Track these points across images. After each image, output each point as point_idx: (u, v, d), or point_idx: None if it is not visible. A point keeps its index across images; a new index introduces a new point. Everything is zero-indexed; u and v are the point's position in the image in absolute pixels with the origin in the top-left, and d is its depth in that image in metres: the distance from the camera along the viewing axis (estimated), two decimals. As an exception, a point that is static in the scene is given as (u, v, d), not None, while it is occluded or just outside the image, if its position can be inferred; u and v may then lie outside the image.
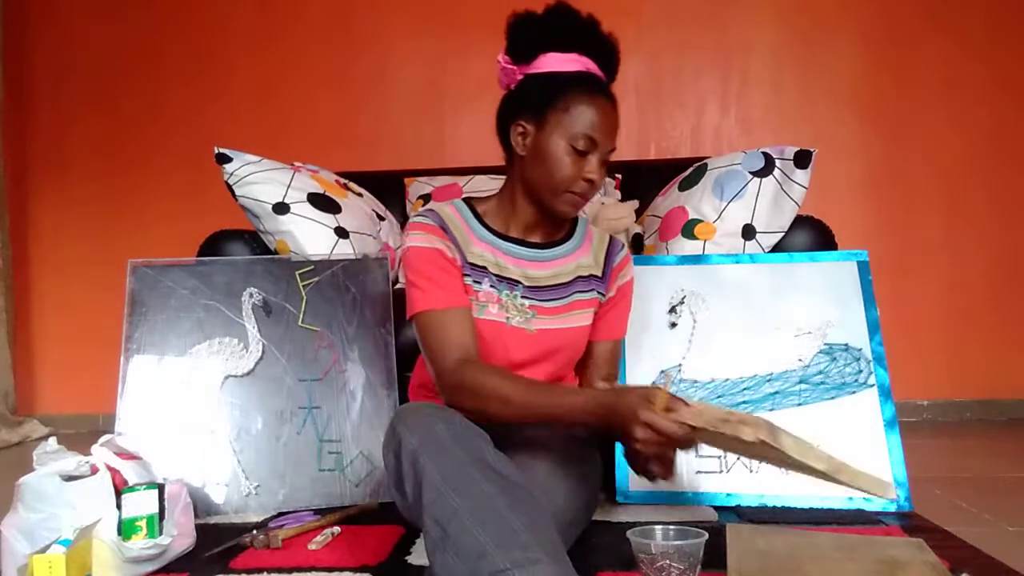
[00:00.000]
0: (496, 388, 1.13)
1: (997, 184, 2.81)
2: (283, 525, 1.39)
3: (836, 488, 1.47)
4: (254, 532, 1.30)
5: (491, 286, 1.29)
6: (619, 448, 1.55)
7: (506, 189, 1.35)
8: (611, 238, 1.45)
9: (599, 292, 1.39)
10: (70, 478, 1.18)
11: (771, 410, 1.57)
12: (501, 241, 1.33)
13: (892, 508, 1.45)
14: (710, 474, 1.53)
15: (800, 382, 1.58)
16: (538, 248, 1.35)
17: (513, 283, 1.31)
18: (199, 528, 1.34)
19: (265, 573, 1.16)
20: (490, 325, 1.27)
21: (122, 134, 3.07)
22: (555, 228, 1.37)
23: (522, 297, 1.31)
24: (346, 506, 1.51)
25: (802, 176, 1.76)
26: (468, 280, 1.28)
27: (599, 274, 1.40)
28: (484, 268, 1.30)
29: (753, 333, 1.63)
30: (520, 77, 1.28)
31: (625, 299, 1.44)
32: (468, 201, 1.37)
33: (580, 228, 1.43)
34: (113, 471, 1.23)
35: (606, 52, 1.28)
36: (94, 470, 1.21)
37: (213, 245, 1.82)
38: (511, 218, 1.34)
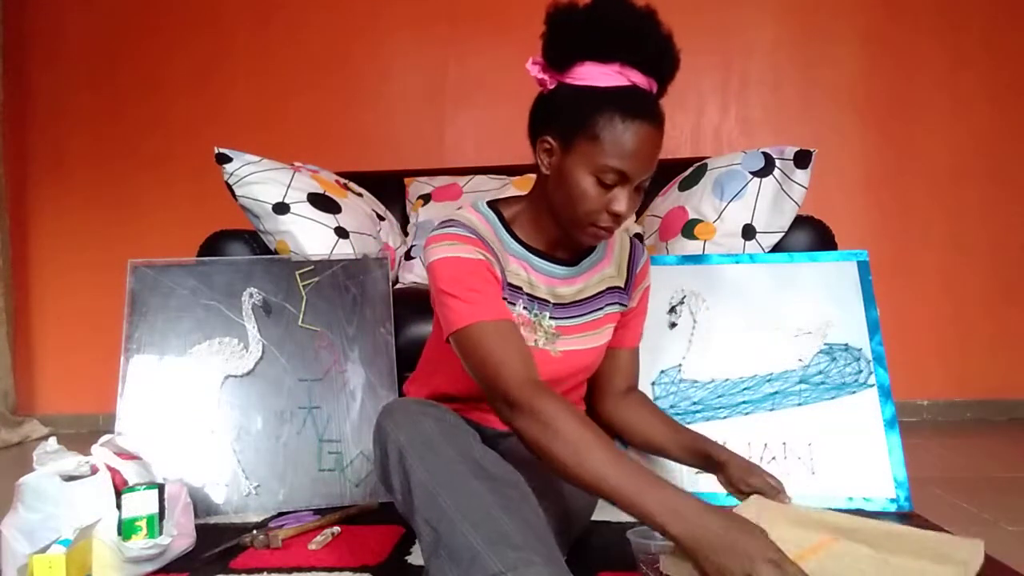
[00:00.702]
0: (574, 434, 0.92)
1: (996, 183, 2.81)
2: (283, 525, 1.39)
3: (837, 488, 1.48)
4: (254, 532, 1.30)
5: (524, 307, 1.18)
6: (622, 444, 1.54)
7: (534, 198, 1.20)
8: (632, 242, 1.34)
9: (620, 304, 1.30)
10: (70, 478, 1.18)
11: (771, 410, 1.57)
12: (533, 258, 1.20)
13: (892, 508, 1.45)
14: (710, 474, 1.52)
15: (800, 382, 1.58)
16: (565, 265, 1.23)
17: (544, 303, 1.20)
18: (199, 528, 1.34)
19: (265, 573, 1.16)
20: None
21: (122, 135, 3.06)
22: (581, 244, 1.25)
23: (550, 318, 1.21)
24: (346, 506, 1.51)
25: (802, 176, 1.76)
26: (505, 299, 1.14)
27: (622, 285, 1.31)
28: (519, 288, 1.18)
29: (753, 333, 1.63)
30: (553, 85, 1.10)
31: (644, 304, 1.37)
32: (493, 206, 1.21)
33: None
34: (113, 471, 1.23)
35: (658, 58, 1.07)
36: (94, 470, 1.21)
37: (213, 245, 1.82)
38: (539, 230, 1.20)
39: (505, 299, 1.13)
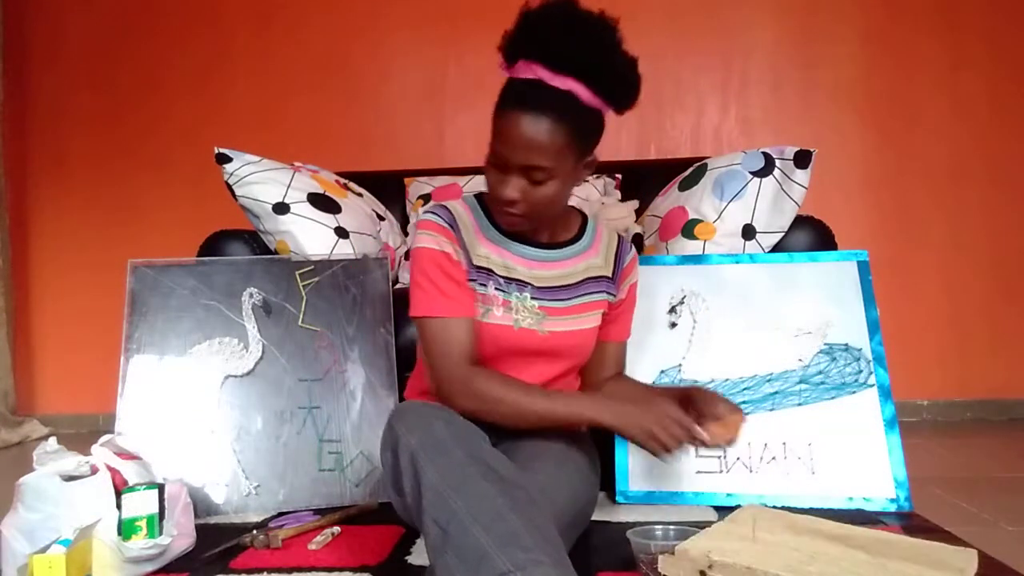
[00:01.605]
0: (508, 396, 1.17)
1: (996, 183, 2.81)
2: (283, 525, 1.39)
3: (836, 488, 1.48)
4: (254, 532, 1.30)
5: (497, 288, 1.26)
6: (621, 444, 1.55)
7: None
8: (620, 238, 1.43)
9: (609, 293, 1.38)
10: (70, 478, 1.18)
11: (771, 410, 1.57)
12: (510, 241, 1.30)
13: (892, 508, 1.45)
14: (710, 474, 1.53)
15: (800, 382, 1.58)
16: (546, 248, 1.32)
17: (522, 284, 1.28)
18: (199, 528, 1.34)
19: (265, 573, 1.16)
20: (496, 329, 1.25)
21: (122, 135, 3.06)
22: (561, 229, 1.35)
23: (532, 298, 1.28)
24: (346, 506, 1.51)
25: (802, 176, 1.76)
26: (472, 284, 1.26)
27: (609, 275, 1.38)
28: (490, 271, 1.27)
29: (753, 333, 1.63)
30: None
31: (631, 299, 1.44)
32: (480, 196, 1.34)
33: (590, 228, 1.39)
34: (113, 471, 1.23)
35: (567, 56, 1.11)
36: (94, 470, 1.21)
37: (213, 245, 1.82)
38: None
39: (473, 280, 1.25)
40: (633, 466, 1.55)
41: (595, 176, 2.34)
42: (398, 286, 1.95)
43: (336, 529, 1.37)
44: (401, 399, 1.60)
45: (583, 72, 1.12)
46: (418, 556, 1.22)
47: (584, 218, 1.40)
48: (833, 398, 1.56)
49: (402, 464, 1.01)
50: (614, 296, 1.39)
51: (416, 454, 0.99)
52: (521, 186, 1.16)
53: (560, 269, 1.32)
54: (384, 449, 1.10)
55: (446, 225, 1.26)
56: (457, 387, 1.18)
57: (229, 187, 1.81)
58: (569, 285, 1.32)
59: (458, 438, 1.01)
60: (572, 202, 2.22)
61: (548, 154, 1.12)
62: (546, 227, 1.31)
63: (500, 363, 1.27)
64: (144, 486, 1.21)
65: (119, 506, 1.18)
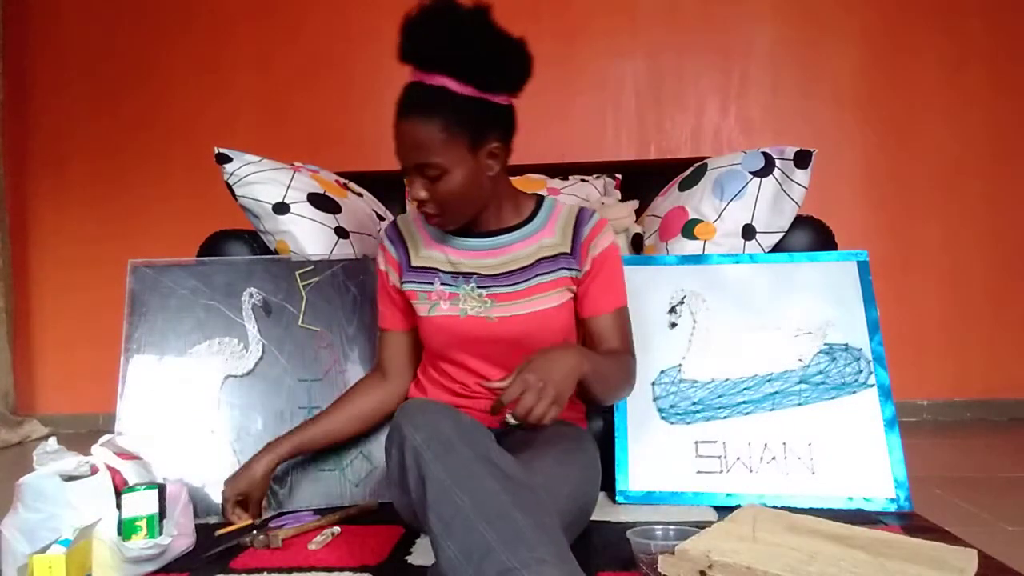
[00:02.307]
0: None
1: (996, 184, 2.81)
2: (283, 525, 1.39)
3: (836, 488, 1.48)
4: (254, 532, 1.30)
5: (443, 284, 1.35)
6: (621, 444, 1.55)
7: None
8: (580, 210, 1.40)
9: (569, 269, 1.35)
10: (70, 478, 1.18)
11: (771, 410, 1.57)
12: (453, 237, 1.37)
13: (892, 508, 1.45)
14: (710, 474, 1.53)
15: (800, 382, 1.58)
16: (493, 236, 1.36)
17: (468, 276, 1.35)
18: (199, 528, 1.34)
19: (265, 573, 1.16)
20: (444, 321, 1.33)
21: (122, 134, 3.07)
22: (510, 215, 1.37)
23: (478, 287, 1.34)
24: (346, 506, 1.51)
25: (802, 176, 1.76)
26: (411, 285, 1.38)
27: (568, 251, 1.35)
28: (436, 269, 1.36)
29: (753, 333, 1.63)
30: None
31: (606, 267, 1.36)
32: None
33: (544, 209, 1.39)
34: (113, 471, 1.23)
35: (427, 54, 1.20)
36: (94, 470, 1.21)
37: (213, 245, 1.82)
38: None
39: (409, 283, 1.38)
40: (634, 465, 1.55)
41: (595, 176, 2.34)
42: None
43: (336, 529, 1.36)
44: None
45: (450, 65, 1.18)
46: (418, 556, 1.22)
47: (540, 201, 1.41)
48: (833, 398, 1.56)
49: (407, 461, 1.00)
50: (579, 271, 1.35)
51: (421, 451, 0.98)
52: (424, 185, 1.24)
53: (507, 254, 1.35)
54: (389, 445, 1.09)
55: (388, 245, 1.42)
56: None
57: (229, 187, 1.81)
58: (519, 269, 1.34)
59: (464, 436, 1.01)
60: (571, 202, 2.22)
61: (432, 150, 1.20)
62: (468, 218, 1.32)
63: (455, 355, 1.34)
64: (144, 486, 1.21)
65: (119, 506, 1.18)
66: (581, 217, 1.38)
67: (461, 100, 1.19)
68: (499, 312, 1.32)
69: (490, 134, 1.24)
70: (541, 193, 1.46)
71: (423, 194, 1.24)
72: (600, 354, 1.29)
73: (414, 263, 1.38)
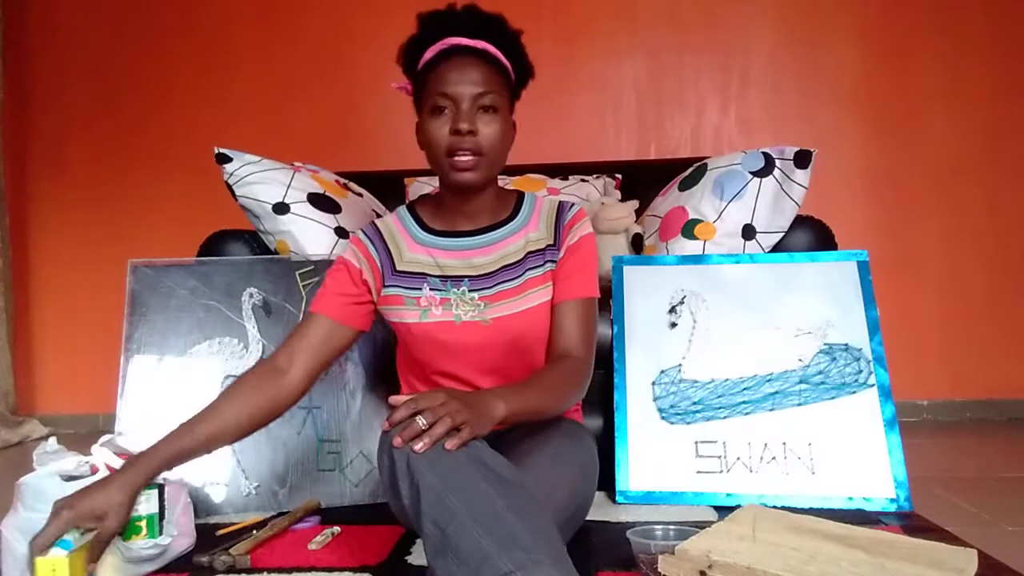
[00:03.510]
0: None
1: (996, 184, 2.81)
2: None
3: (836, 488, 1.48)
4: (214, 552, 1.21)
5: (432, 289, 1.31)
6: (621, 443, 1.55)
7: (438, 183, 1.35)
8: (561, 202, 1.40)
9: (553, 261, 1.33)
10: (70, 478, 1.18)
11: (771, 410, 1.57)
12: (441, 239, 1.34)
13: (892, 508, 1.45)
14: (710, 474, 1.53)
15: (800, 382, 1.58)
16: (482, 233, 1.34)
17: (458, 279, 1.31)
18: (199, 528, 1.34)
19: (265, 573, 1.16)
20: (438, 327, 1.28)
21: (122, 134, 3.07)
22: (500, 208, 1.36)
23: (470, 291, 1.30)
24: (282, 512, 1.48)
25: (802, 176, 1.76)
26: (398, 290, 1.31)
27: (552, 242, 1.34)
28: (423, 274, 1.32)
29: (753, 333, 1.63)
30: (411, 87, 1.34)
31: (579, 254, 1.33)
32: (411, 205, 1.41)
33: (527, 204, 1.39)
34: (113, 471, 1.22)
35: (478, 27, 1.26)
36: (94, 470, 1.21)
37: (213, 245, 1.82)
38: (448, 212, 1.35)
39: (393, 288, 1.32)
40: (633, 465, 1.55)
41: (595, 176, 2.34)
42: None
43: (336, 529, 1.37)
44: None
45: (493, 36, 1.27)
46: (418, 556, 1.22)
47: (521, 196, 1.41)
48: (833, 398, 1.56)
49: (399, 467, 0.99)
50: (556, 262, 1.33)
51: (413, 457, 0.97)
52: (474, 116, 1.22)
53: (499, 251, 1.33)
54: (381, 452, 1.07)
55: (365, 241, 1.36)
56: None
57: (229, 187, 1.81)
58: (511, 265, 1.32)
59: None
60: (571, 202, 2.22)
61: (493, 86, 1.24)
62: (490, 178, 1.30)
63: (446, 364, 1.30)
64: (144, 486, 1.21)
65: (119, 506, 1.18)
66: (562, 208, 1.38)
67: (501, 65, 1.27)
68: (493, 313, 1.29)
69: (514, 103, 1.33)
70: (520, 190, 1.45)
71: (474, 126, 1.21)
72: (533, 377, 1.22)
73: (399, 267, 1.33)
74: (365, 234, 1.37)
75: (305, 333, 1.30)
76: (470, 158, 1.22)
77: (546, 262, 1.33)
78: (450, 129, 1.21)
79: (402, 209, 1.41)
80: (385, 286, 1.33)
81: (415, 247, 1.34)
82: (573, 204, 1.40)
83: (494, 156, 1.25)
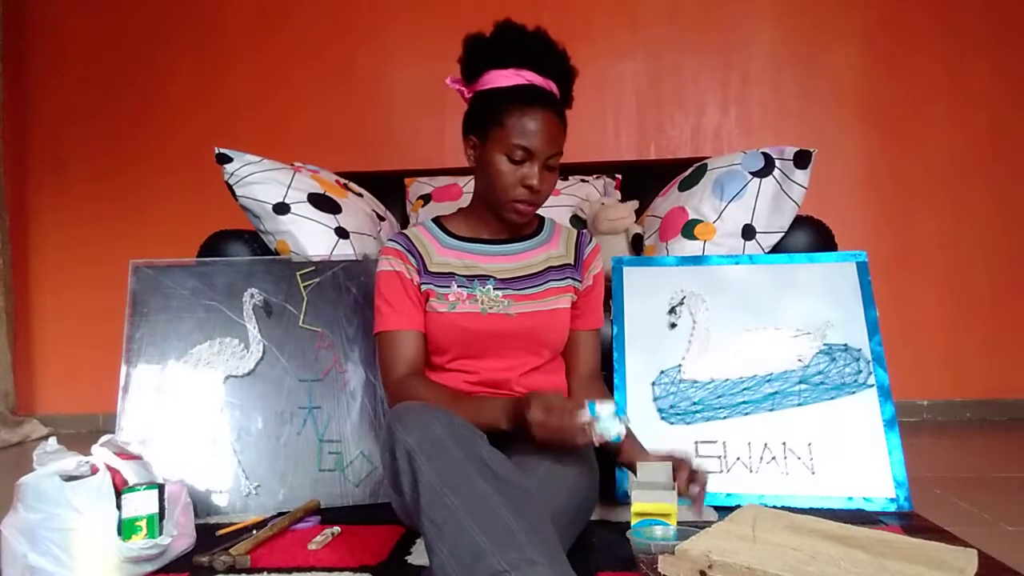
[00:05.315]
0: (431, 398, 1.24)
1: (997, 184, 2.81)
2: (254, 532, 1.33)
3: (836, 488, 1.48)
4: (214, 552, 1.21)
5: (460, 286, 1.38)
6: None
7: (473, 199, 1.46)
8: (579, 231, 1.53)
9: (574, 279, 1.46)
10: (70, 478, 1.18)
11: (771, 410, 1.57)
12: (468, 244, 1.44)
13: (892, 508, 1.45)
14: (710, 474, 1.52)
15: (800, 382, 1.58)
16: (506, 243, 1.44)
17: (484, 278, 1.40)
18: (199, 528, 1.34)
19: (265, 573, 1.16)
20: (463, 316, 1.36)
21: (122, 135, 3.07)
22: (523, 225, 1.45)
23: (495, 289, 1.39)
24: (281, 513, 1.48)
25: (802, 176, 1.76)
26: (430, 286, 1.38)
27: (572, 262, 1.47)
28: (451, 273, 1.40)
29: (753, 333, 1.63)
30: (470, 96, 1.40)
31: (596, 289, 1.50)
32: (438, 219, 1.49)
33: (548, 224, 1.52)
34: (113, 471, 1.23)
35: (549, 63, 1.36)
36: (94, 470, 1.21)
37: (214, 245, 1.82)
38: (479, 224, 1.44)
39: (427, 284, 1.38)
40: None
41: (595, 176, 2.34)
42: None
43: (336, 529, 1.37)
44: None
45: (557, 76, 1.37)
46: (418, 556, 1.22)
47: (542, 219, 1.53)
48: (833, 398, 1.56)
49: (400, 464, 1.02)
50: (580, 283, 1.46)
51: (414, 454, 0.99)
52: (544, 175, 1.33)
53: (522, 260, 1.43)
54: (383, 450, 1.11)
55: (400, 249, 1.42)
56: (393, 391, 1.34)
57: (229, 187, 1.81)
58: (532, 275, 1.42)
59: (456, 438, 1.02)
60: (571, 202, 2.22)
61: (562, 142, 1.34)
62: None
63: (476, 350, 1.37)
64: (144, 486, 1.21)
65: (119, 506, 1.18)
66: (581, 239, 1.51)
67: (565, 115, 1.38)
68: (517, 309, 1.38)
69: None
70: (541, 214, 1.55)
71: (543, 184, 1.33)
72: (599, 391, 1.46)
73: (430, 269, 1.41)
74: (399, 243, 1.43)
75: (414, 349, 1.38)
76: (530, 208, 1.35)
77: (567, 277, 1.45)
78: (522, 182, 1.31)
79: (428, 222, 1.49)
80: (422, 283, 1.41)
81: (443, 251, 1.43)
82: (591, 238, 1.53)
83: (547, 197, 1.38)
